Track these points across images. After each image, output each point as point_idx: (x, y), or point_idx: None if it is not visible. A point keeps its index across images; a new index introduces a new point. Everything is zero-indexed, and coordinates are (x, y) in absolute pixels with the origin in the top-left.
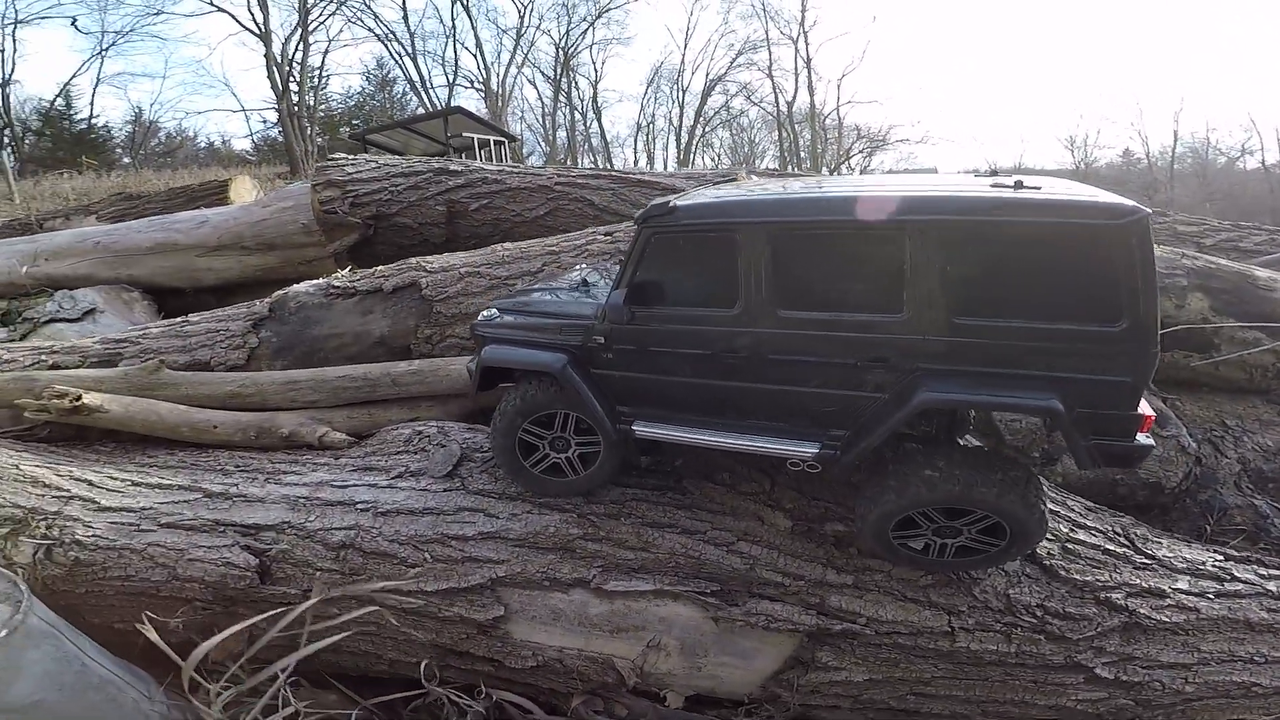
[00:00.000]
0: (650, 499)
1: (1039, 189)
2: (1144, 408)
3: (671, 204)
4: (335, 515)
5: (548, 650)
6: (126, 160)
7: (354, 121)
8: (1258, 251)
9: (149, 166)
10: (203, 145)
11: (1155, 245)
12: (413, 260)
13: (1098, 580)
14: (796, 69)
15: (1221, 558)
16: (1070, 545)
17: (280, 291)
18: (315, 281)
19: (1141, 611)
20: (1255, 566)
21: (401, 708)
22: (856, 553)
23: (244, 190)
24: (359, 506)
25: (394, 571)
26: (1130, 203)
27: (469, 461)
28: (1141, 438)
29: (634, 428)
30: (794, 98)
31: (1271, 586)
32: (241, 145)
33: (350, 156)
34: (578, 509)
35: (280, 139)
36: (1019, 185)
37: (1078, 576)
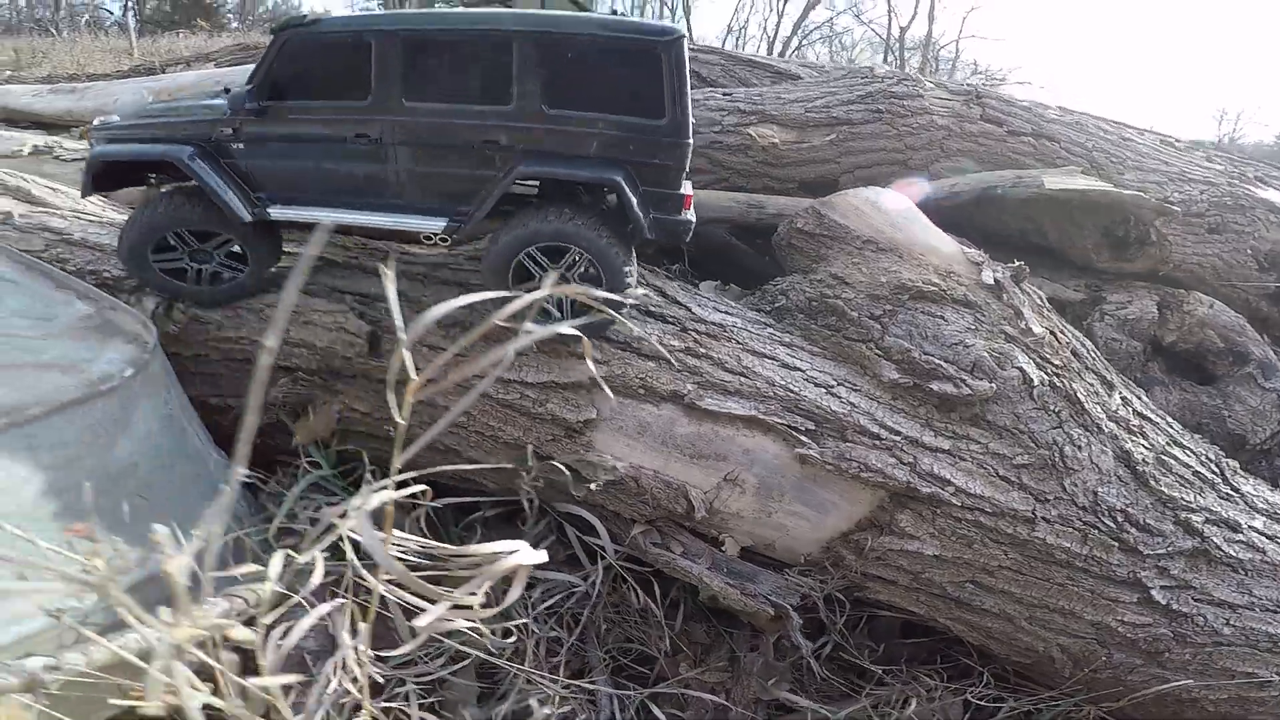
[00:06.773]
0: (750, 329)
1: (619, 14)
2: (685, 189)
3: (312, 16)
4: (449, 291)
5: (624, 465)
6: (236, 26)
7: None
8: None
9: (257, 30)
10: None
11: None
12: None
13: (1182, 499)
14: None
15: None
16: (1165, 458)
17: None
18: None
19: (1214, 540)
20: None
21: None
22: (958, 418)
23: None
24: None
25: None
26: (671, 25)
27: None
28: (686, 214)
29: (269, 211)
30: (910, 23)
31: None
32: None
33: None
34: (680, 323)
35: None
36: (613, 13)
37: (1165, 490)
